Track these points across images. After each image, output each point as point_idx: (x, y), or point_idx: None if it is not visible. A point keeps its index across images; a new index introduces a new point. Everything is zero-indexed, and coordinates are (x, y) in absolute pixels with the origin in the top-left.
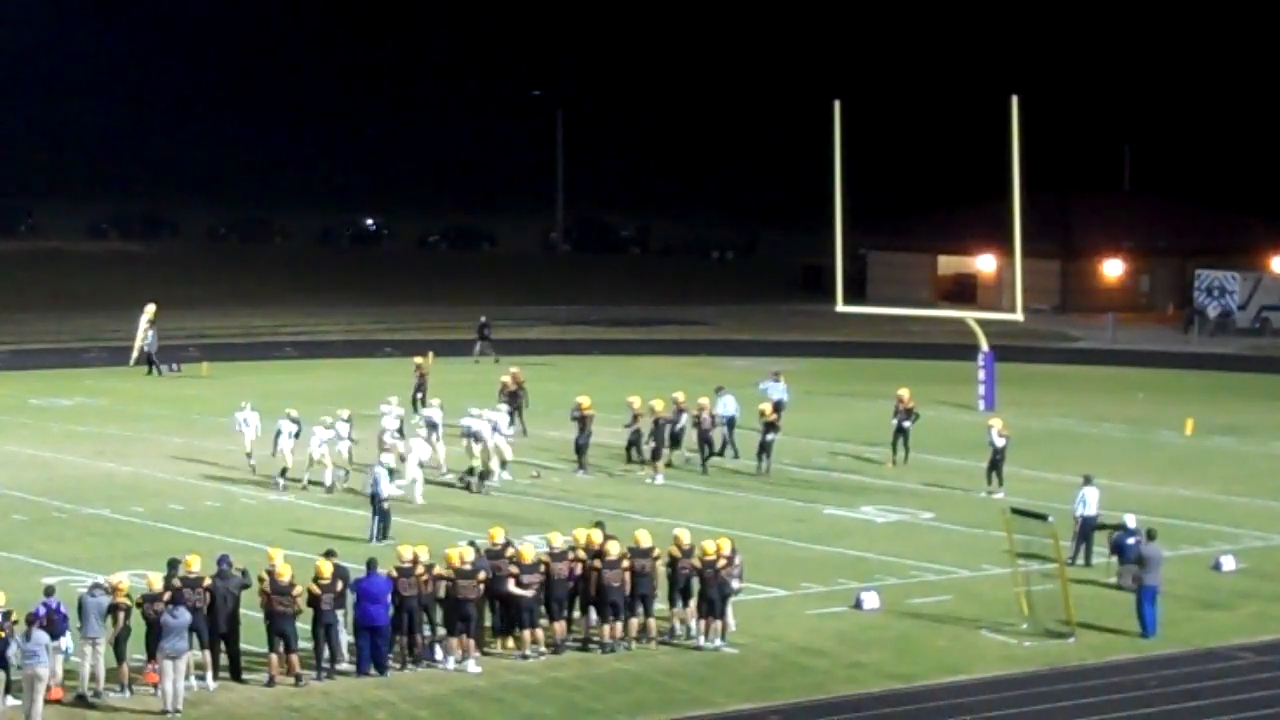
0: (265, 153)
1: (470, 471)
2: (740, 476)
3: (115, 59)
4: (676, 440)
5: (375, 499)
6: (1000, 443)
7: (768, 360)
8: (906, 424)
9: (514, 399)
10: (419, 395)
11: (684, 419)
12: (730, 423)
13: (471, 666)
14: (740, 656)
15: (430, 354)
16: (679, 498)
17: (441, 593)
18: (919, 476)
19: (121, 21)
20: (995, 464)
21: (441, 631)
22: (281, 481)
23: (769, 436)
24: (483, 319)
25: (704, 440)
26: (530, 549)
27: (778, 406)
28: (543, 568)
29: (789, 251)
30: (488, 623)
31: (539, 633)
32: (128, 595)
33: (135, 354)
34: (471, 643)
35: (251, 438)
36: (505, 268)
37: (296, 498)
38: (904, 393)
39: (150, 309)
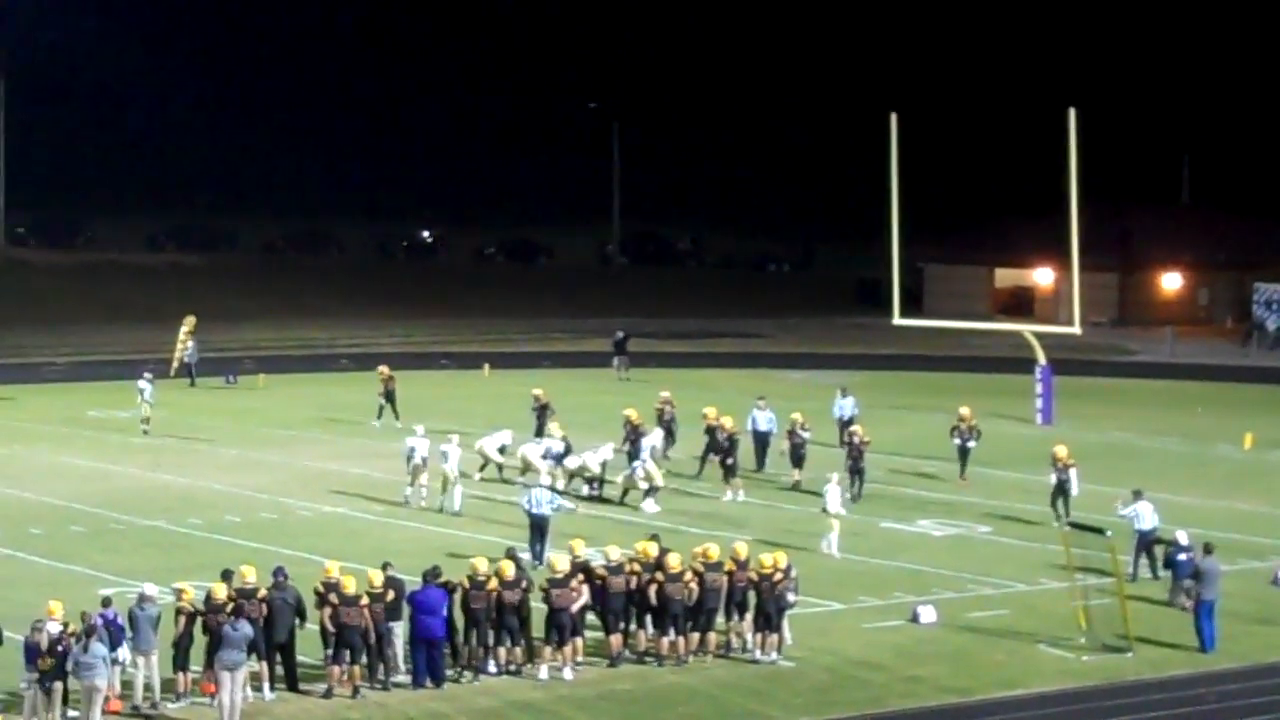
0: (322, 165)
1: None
2: (793, 492)
3: (174, 72)
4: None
5: (535, 520)
6: (1061, 477)
7: (824, 374)
8: (971, 444)
9: (544, 412)
10: (386, 405)
11: (806, 436)
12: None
13: (568, 674)
14: (797, 670)
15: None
16: (735, 511)
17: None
18: (976, 491)
19: (181, 34)
20: (1063, 492)
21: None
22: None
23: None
24: (620, 333)
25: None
26: (562, 558)
27: (851, 422)
28: (580, 577)
29: (845, 264)
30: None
31: (578, 642)
32: (191, 603)
33: (175, 365)
34: (568, 650)
35: (144, 401)
36: (561, 280)
37: (352, 509)
38: (965, 411)
39: (190, 320)
